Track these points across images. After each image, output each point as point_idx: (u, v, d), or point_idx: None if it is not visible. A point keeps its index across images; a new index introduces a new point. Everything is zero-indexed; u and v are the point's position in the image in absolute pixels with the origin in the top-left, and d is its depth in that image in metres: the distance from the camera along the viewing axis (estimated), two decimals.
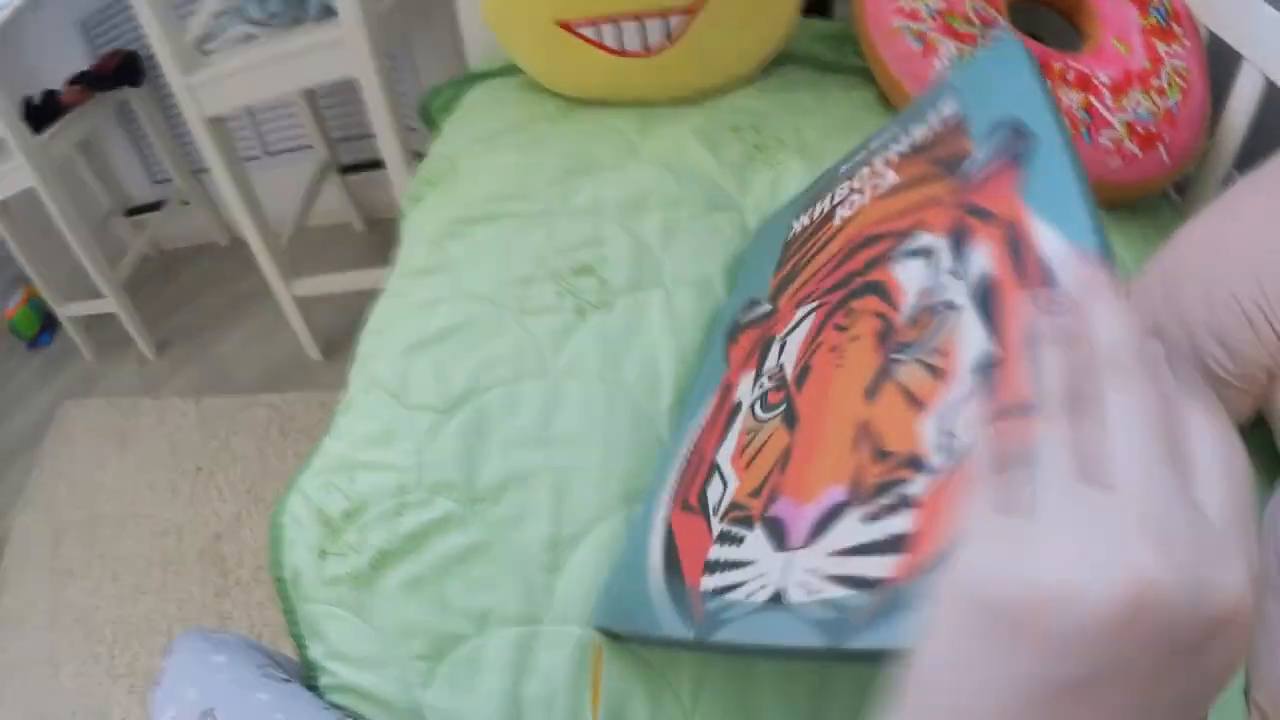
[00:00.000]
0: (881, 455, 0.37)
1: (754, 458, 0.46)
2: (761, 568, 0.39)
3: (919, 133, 0.52)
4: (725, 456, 0.49)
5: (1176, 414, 0.24)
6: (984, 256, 0.39)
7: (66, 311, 1.86)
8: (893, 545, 0.33)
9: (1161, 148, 0.78)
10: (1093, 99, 0.78)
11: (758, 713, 0.52)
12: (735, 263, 0.69)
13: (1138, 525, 0.21)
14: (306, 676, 0.59)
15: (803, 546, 0.38)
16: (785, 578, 0.37)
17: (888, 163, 0.54)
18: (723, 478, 0.48)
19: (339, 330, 1.64)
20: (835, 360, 0.44)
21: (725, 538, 0.43)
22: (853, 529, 0.36)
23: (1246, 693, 0.57)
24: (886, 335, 0.42)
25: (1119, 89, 0.78)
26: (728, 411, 0.52)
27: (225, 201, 1.44)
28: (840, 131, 0.78)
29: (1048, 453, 0.24)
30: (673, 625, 0.43)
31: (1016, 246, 0.37)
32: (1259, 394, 0.65)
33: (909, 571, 0.31)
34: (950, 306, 0.38)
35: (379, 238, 1.82)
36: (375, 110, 1.20)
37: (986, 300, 0.37)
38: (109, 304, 1.77)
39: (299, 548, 0.60)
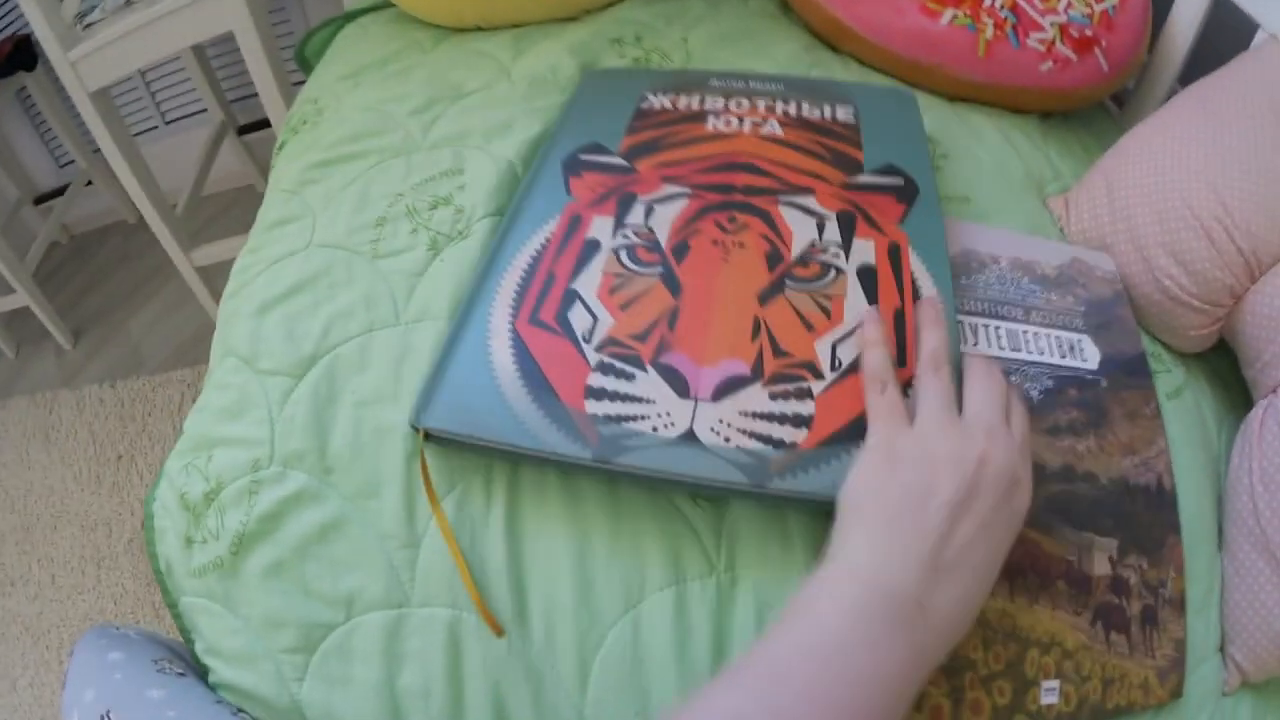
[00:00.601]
0: (780, 352, 0.48)
1: (629, 303, 0.50)
2: (664, 408, 0.45)
3: (810, 112, 0.65)
4: (588, 289, 0.52)
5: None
6: (869, 251, 0.53)
7: None
8: (798, 420, 0.45)
9: (1099, 52, 0.74)
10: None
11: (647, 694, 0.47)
12: (568, 101, 0.69)
13: (983, 432, 0.40)
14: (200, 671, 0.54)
15: (711, 400, 0.46)
16: (696, 421, 0.45)
17: (772, 113, 0.64)
18: (589, 310, 0.51)
19: None
20: (720, 254, 0.53)
21: (609, 369, 0.47)
22: (759, 399, 0.46)
23: (1223, 649, 0.54)
24: (776, 259, 0.53)
25: None
26: (580, 244, 0.55)
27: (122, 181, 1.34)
28: (731, 41, 0.72)
29: (923, 388, 0.43)
30: (556, 441, 0.45)
31: (895, 260, 0.53)
32: (1221, 318, 0.60)
33: (815, 442, 0.44)
34: (838, 270, 0.52)
35: None
36: (255, 64, 1.12)
37: (869, 280, 0.52)
38: (21, 298, 1.67)
39: (169, 537, 0.54)
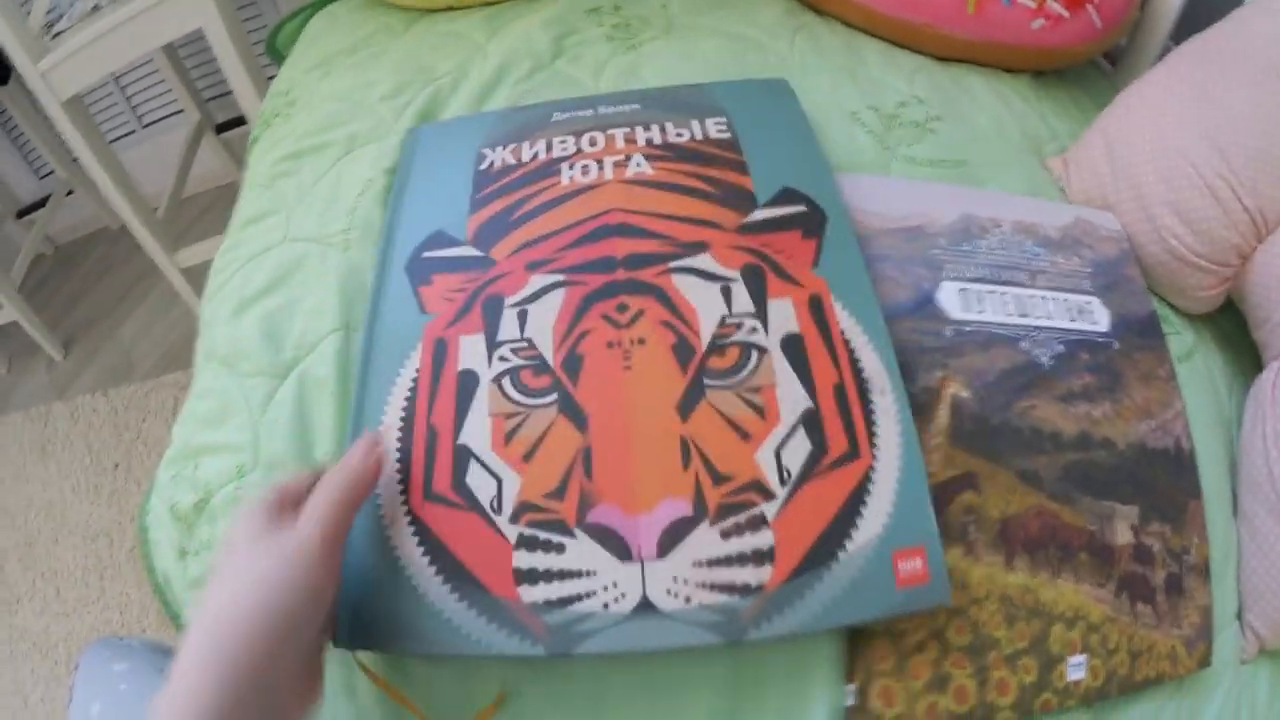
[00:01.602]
0: (720, 478, 0.40)
1: (531, 451, 0.42)
2: (608, 578, 0.39)
3: (677, 134, 0.54)
4: (480, 443, 0.43)
5: None
6: (789, 314, 0.45)
7: None
8: (759, 557, 0.39)
9: (1091, 9, 0.71)
10: None
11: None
12: (394, 177, 0.57)
13: None
14: None
15: (657, 558, 0.39)
16: (648, 587, 0.38)
17: (634, 145, 0.54)
18: (489, 470, 0.42)
19: None
20: (619, 360, 0.44)
21: (534, 544, 0.40)
22: (711, 543, 0.39)
23: (1240, 615, 0.52)
24: (687, 354, 0.44)
25: None
26: (453, 380, 0.44)
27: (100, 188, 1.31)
28: (713, 6, 0.67)
29: None
30: (499, 642, 0.39)
31: (819, 316, 0.45)
32: (1229, 277, 0.57)
33: (783, 577, 0.38)
34: (760, 350, 0.44)
35: None
36: (227, 61, 1.08)
37: (797, 354, 0.43)
38: (9, 313, 1.63)
39: (164, 549, 0.52)
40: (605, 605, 0.38)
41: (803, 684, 0.42)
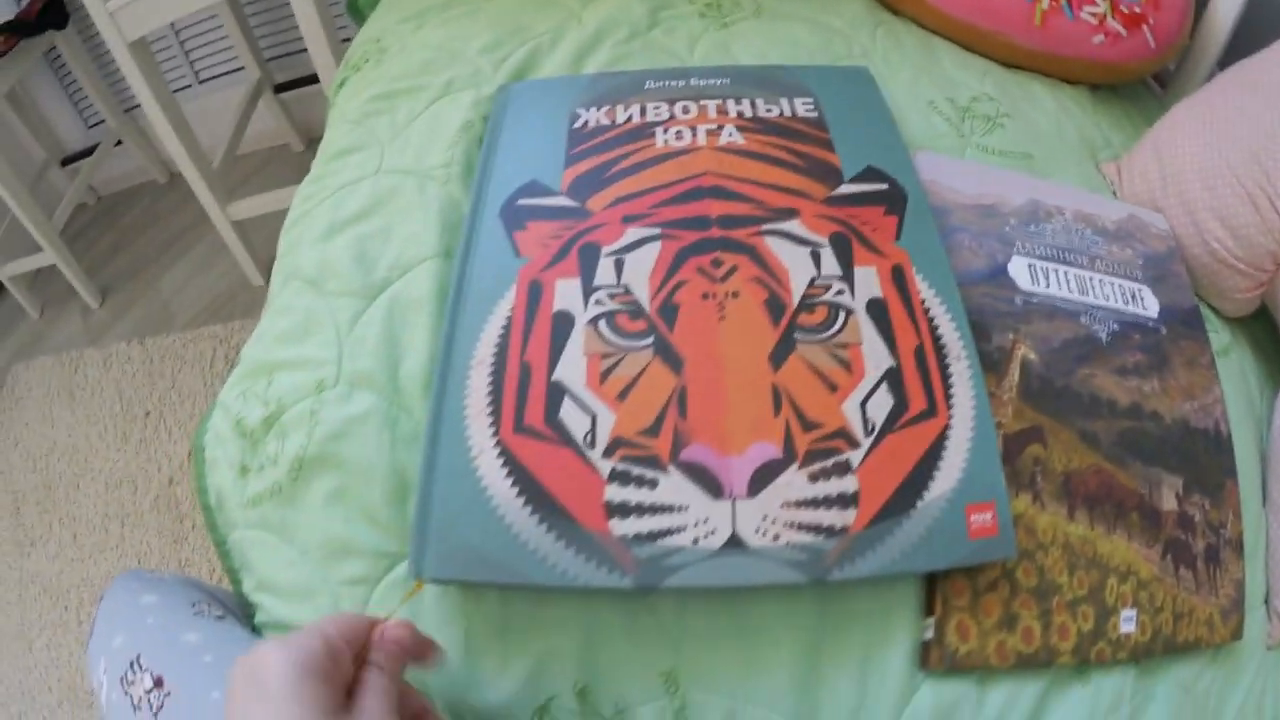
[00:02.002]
0: (809, 424, 0.42)
1: (627, 390, 0.43)
2: (699, 514, 0.40)
3: (767, 110, 0.56)
4: (574, 380, 0.44)
5: None
6: (873, 281, 0.47)
7: (6, 272, 1.71)
8: (844, 501, 0.40)
9: (1147, 30, 0.75)
10: None
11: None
12: (486, 129, 0.58)
13: None
14: (245, 613, 0.51)
15: (748, 496, 0.40)
16: (738, 524, 0.39)
17: (726, 116, 0.55)
18: (582, 406, 0.43)
19: None
20: (714, 310, 0.45)
21: (626, 479, 0.41)
22: (800, 485, 0.41)
23: (1267, 601, 0.54)
24: (778, 309, 0.45)
25: None
26: (548, 321, 0.45)
27: (159, 135, 1.32)
28: None
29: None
30: (587, 573, 0.39)
31: (901, 285, 0.47)
32: (1265, 282, 0.60)
33: (866, 521, 0.40)
34: (847, 311, 0.46)
35: None
36: (304, 16, 1.09)
37: (881, 317, 0.45)
38: (48, 256, 1.63)
39: (221, 468, 0.52)
40: (695, 540, 0.39)
41: (884, 622, 0.44)
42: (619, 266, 0.47)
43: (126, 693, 0.44)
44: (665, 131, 0.54)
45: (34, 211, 1.55)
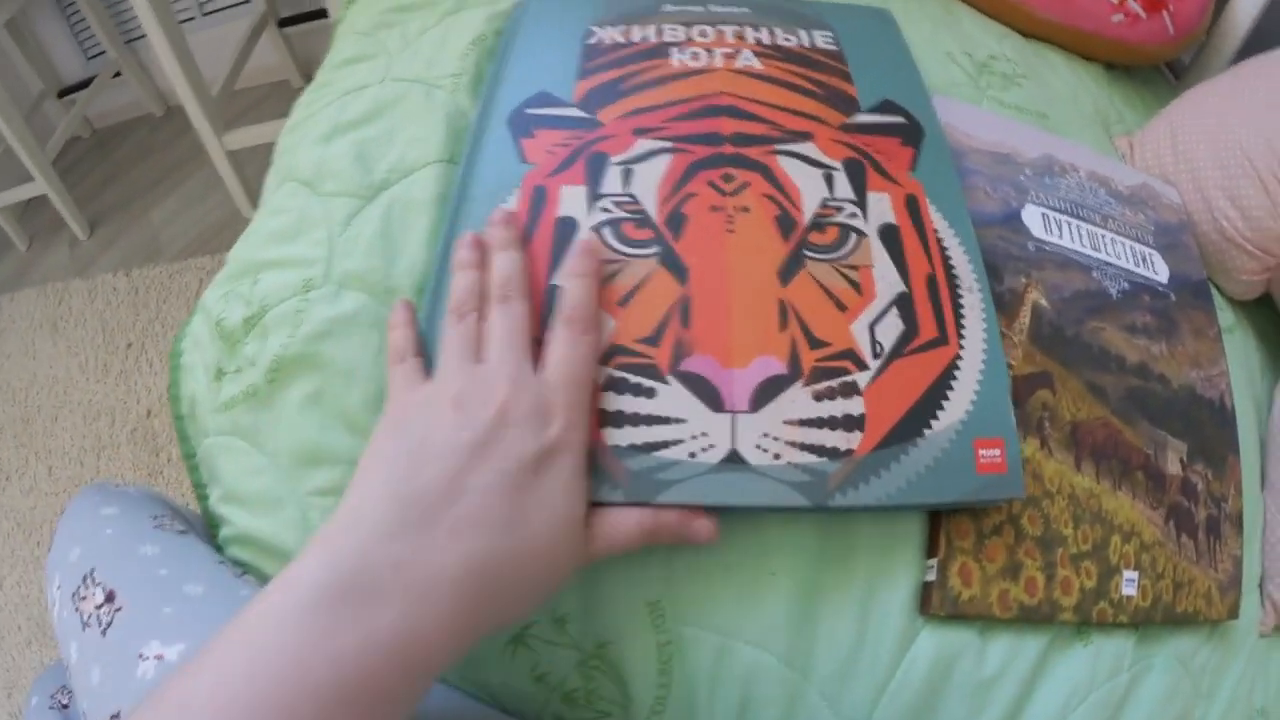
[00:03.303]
0: (816, 342, 0.40)
1: (628, 298, 0.41)
2: (697, 426, 0.37)
3: (785, 39, 0.54)
4: None
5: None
6: (886, 207, 0.44)
7: None
8: (849, 423, 0.38)
9: (1167, 15, 0.73)
10: None
11: None
12: (499, 40, 0.56)
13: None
14: (209, 531, 0.48)
15: (749, 411, 0.38)
16: (737, 439, 0.37)
17: (743, 42, 0.53)
18: None
19: None
20: (724, 223, 0.43)
21: (624, 386, 0.38)
22: (804, 403, 0.38)
23: (1261, 586, 0.52)
24: (789, 226, 0.43)
25: None
26: (551, 225, 0.43)
27: (159, 67, 1.27)
28: None
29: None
30: None
31: (915, 214, 0.44)
32: (1271, 266, 0.60)
33: (872, 444, 0.38)
34: (859, 233, 0.43)
35: None
36: None
37: (893, 242, 0.43)
38: (39, 186, 1.57)
39: (197, 373, 0.48)
40: (692, 454, 0.36)
41: (886, 561, 0.41)
42: (627, 176, 0.45)
43: (77, 608, 0.41)
44: (681, 52, 0.52)
45: (28, 140, 1.50)
